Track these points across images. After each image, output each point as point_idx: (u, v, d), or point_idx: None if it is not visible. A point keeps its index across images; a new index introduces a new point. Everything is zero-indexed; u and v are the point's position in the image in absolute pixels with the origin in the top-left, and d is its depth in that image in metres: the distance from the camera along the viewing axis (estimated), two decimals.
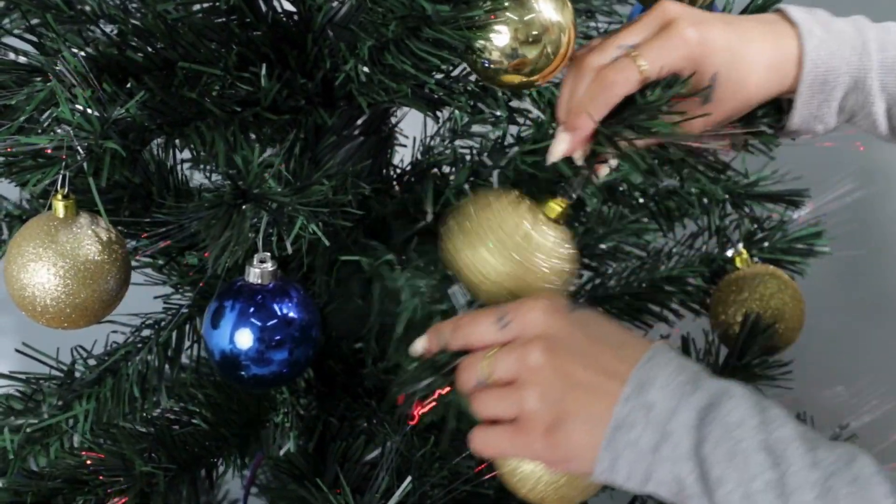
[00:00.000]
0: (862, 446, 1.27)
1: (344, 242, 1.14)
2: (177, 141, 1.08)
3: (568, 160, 1.00)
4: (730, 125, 1.01)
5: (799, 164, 1.31)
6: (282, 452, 1.28)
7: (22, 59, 1.02)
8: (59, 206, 1.01)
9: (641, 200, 1.28)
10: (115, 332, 1.18)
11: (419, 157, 1.29)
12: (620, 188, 1.25)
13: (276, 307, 1.05)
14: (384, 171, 1.22)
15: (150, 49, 1.04)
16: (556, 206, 0.99)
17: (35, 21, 1.13)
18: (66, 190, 1.00)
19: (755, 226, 1.38)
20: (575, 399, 0.89)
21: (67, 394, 1.15)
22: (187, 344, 1.20)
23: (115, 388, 1.16)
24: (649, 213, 1.30)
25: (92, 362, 1.18)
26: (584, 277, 1.36)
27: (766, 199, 1.35)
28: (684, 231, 1.35)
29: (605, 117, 0.97)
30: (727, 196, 1.34)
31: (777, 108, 1.05)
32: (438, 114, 1.22)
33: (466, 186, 1.12)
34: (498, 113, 1.17)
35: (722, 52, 0.97)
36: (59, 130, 0.96)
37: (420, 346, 0.98)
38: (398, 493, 1.16)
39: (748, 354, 1.26)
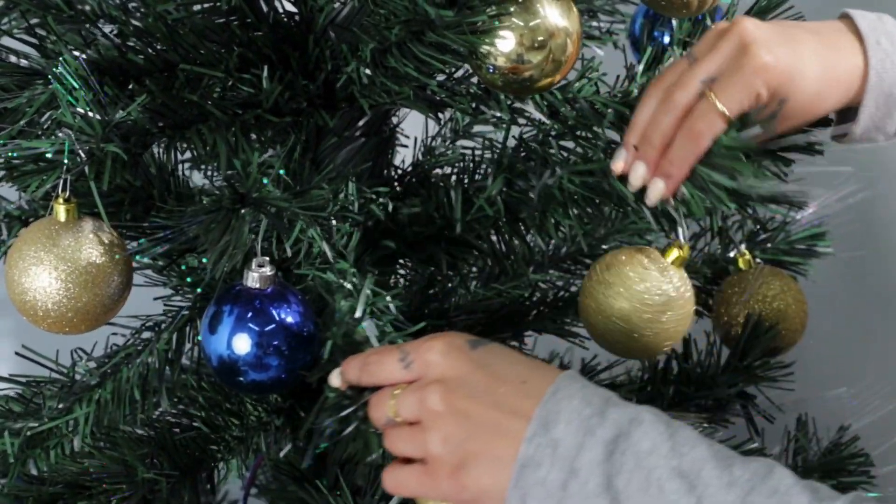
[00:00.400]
0: (864, 448, 1.28)
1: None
2: (178, 144, 1.08)
3: (623, 179, 1.03)
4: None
5: (801, 164, 1.30)
6: (282, 454, 1.28)
7: (23, 62, 1.01)
8: (61, 210, 1.01)
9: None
10: (115, 334, 1.17)
11: (420, 157, 1.29)
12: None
13: (274, 312, 1.05)
14: (385, 172, 1.22)
15: (150, 51, 1.04)
16: (676, 251, 1.06)
17: (35, 21, 1.12)
18: (68, 193, 1.00)
19: (758, 226, 1.38)
20: (478, 440, 0.87)
21: (68, 397, 1.15)
22: (188, 346, 1.20)
23: (115, 391, 1.15)
24: (651, 213, 1.30)
25: (92, 365, 1.17)
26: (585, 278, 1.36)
27: (768, 199, 1.35)
28: (687, 231, 1.34)
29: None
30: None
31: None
32: (440, 115, 1.22)
33: (499, 197, 1.10)
34: (499, 114, 1.16)
35: (804, 74, 0.98)
36: (59, 134, 0.96)
37: (334, 380, 0.96)
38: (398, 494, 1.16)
39: (750, 355, 1.26)
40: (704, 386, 1.25)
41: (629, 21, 1.32)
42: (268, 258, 1.05)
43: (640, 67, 1.18)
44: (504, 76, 0.98)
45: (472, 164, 1.18)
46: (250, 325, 1.04)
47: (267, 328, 1.04)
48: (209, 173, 1.21)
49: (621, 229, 1.36)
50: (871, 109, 1.00)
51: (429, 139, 1.30)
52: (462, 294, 1.32)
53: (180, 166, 1.20)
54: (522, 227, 1.14)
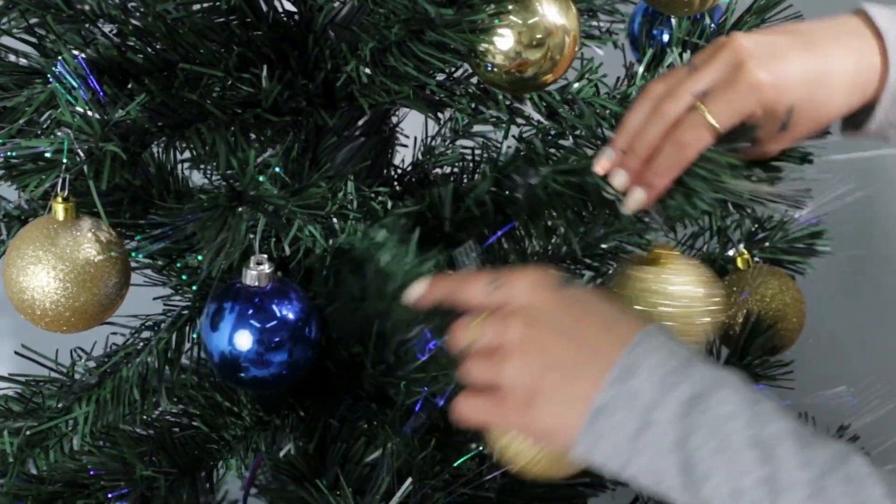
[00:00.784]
0: (863, 447, 1.27)
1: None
2: (177, 143, 1.08)
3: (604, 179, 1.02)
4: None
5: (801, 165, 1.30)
6: (282, 454, 1.28)
7: (22, 62, 1.02)
8: (59, 209, 1.01)
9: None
10: (114, 333, 1.18)
11: (420, 157, 1.29)
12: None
13: (274, 308, 1.05)
14: (385, 171, 1.22)
15: (150, 50, 1.04)
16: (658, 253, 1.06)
17: (34, 20, 1.12)
18: (66, 193, 1.00)
19: (756, 226, 1.38)
20: (554, 376, 0.88)
21: (67, 396, 1.15)
22: (187, 346, 1.20)
23: (114, 390, 1.15)
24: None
25: (91, 364, 1.17)
26: (584, 277, 1.36)
27: (767, 198, 1.35)
28: (685, 231, 1.35)
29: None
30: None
31: None
32: (439, 115, 1.22)
33: (488, 197, 1.10)
34: (498, 114, 1.16)
35: (799, 87, 0.97)
36: (59, 133, 0.96)
37: (416, 291, 0.97)
38: (398, 494, 1.16)
39: (749, 355, 1.26)
40: None
41: (628, 20, 1.32)
42: (266, 255, 1.05)
43: (640, 67, 1.18)
44: (502, 74, 0.98)
45: (471, 164, 1.18)
46: (251, 321, 1.04)
47: (268, 325, 1.04)
48: (208, 173, 1.22)
49: (621, 229, 1.36)
50: (886, 106, 1.00)
51: (428, 139, 1.30)
52: None
53: (179, 166, 1.20)
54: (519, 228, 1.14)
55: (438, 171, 1.26)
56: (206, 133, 1.04)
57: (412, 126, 1.27)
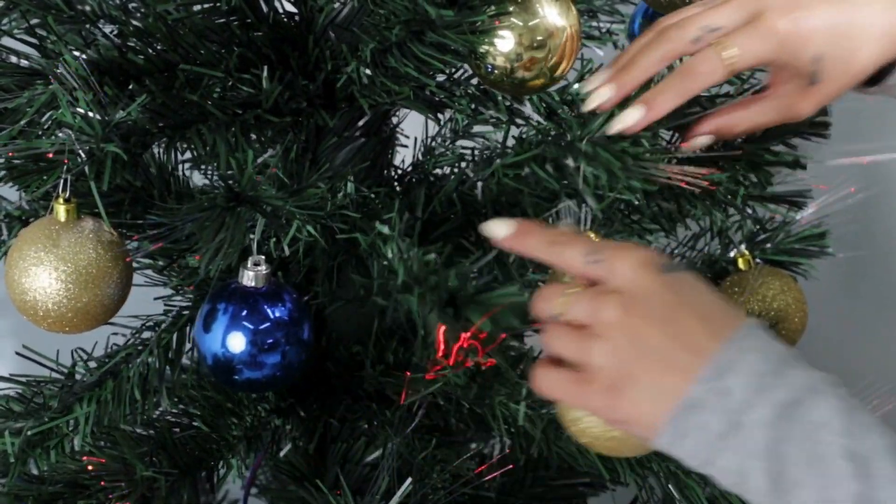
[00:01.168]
0: None
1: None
2: (178, 144, 1.08)
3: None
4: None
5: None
6: (282, 454, 1.28)
7: (23, 63, 1.02)
8: (61, 210, 1.01)
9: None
10: (115, 333, 1.18)
11: (420, 157, 1.29)
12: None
13: (268, 310, 1.05)
14: (385, 171, 1.22)
15: (150, 51, 1.04)
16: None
17: (35, 21, 1.12)
18: (68, 193, 1.00)
19: (757, 227, 1.37)
20: (645, 364, 0.84)
21: (68, 396, 1.15)
22: (188, 346, 1.20)
23: (115, 391, 1.16)
24: (651, 213, 1.30)
25: (92, 364, 1.17)
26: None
27: (768, 199, 1.35)
28: (686, 232, 1.35)
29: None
30: (729, 196, 1.34)
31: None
32: (440, 115, 1.22)
33: (455, 196, 1.10)
34: (497, 115, 1.16)
35: (824, 37, 0.93)
36: (60, 134, 0.96)
37: (499, 231, 0.92)
38: (398, 494, 1.16)
39: None
40: None
41: (628, 21, 1.32)
42: (263, 257, 1.05)
43: None
44: (503, 75, 0.98)
45: (471, 164, 1.18)
46: (245, 323, 1.04)
47: (261, 326, 1.04)
48: (209, 173, 1.22)
49: (621, 229, 1.36)
50: None
51: (428, 139, 1.30)
52: None
53: (180, 166, 1.20)
54: None
55: (438, 171, 1.26)
56: (207, 134, 1.04)
57: (412, 126, 1.27)
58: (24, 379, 1.17)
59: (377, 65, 1.05)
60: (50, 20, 1.06)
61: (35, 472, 1.17)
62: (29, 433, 1.14)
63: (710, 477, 0.83)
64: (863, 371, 1.64)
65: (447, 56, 0.99)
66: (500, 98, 1.15)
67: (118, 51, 1.03)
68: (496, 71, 0.98)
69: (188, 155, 1.14)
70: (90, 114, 0.95)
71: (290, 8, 1.13)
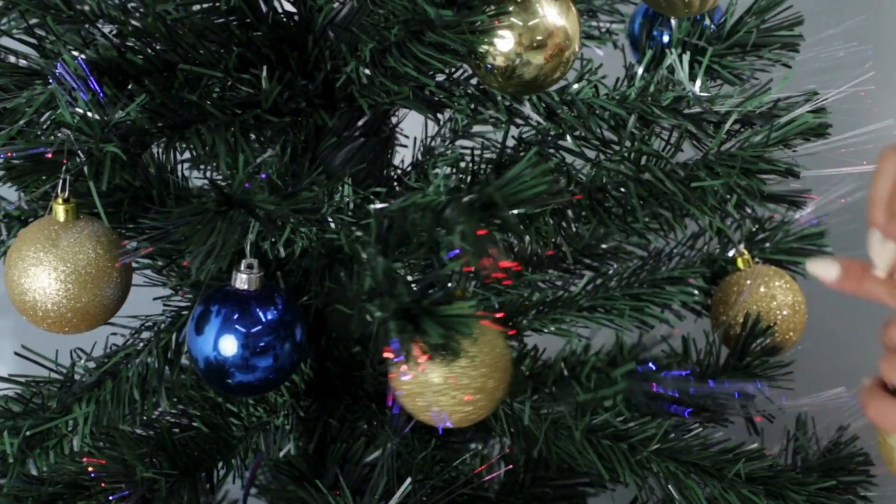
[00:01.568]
0: (863, 447, 1.28)
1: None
2: (177, 144, 1.08)
3: None
4: None
5: (800, 163, 1.30)
6: (282, 454, 1.28)
7: (22, 63, 1.02)
8: (60, 210, 1.01)
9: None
10: (114, 334, 1.18)
11: (420, 157, 1.29)
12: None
13: (260, 313, 1.05)
14: (384, 171, 1.22)
15: (150, 51, 1.04)
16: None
17: (34, 21, 1.12)
18: (67, 194, 1.00)
19: (756, 226, 1.38)
20: None
21: (67, 396, 1.15)
22: (187, 346, 1.20)
23: (114, 391, 1.15)
24: (650, 213, 1.30)
25: (91, 365, 1.17)
26: (585, 278, 1.36)
27: (767, 199, 1.35)
28: (685, 231, 1.35)
29: None
30: (728, 196, 1.34)
31: None
32: (439, 115, 1.22)
33: None
34: (497, 115, 1.16)
35: None
36: (59, 134, 0.96)
37: (833, 271, 0.91)
38: (398, 494, 1.16)
39: (749, 355, 1.26)
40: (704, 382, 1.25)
41: (628, 21, 1.32)
42: (256, 259, 1.05)
43: (640, 68, 1.18)
44: (502, 76, 0.98)
45: (471, 164, 1.18)
46: (237, 326, 1.04)
47: (253, 329, 1.04)
48: (209, 173, 1.22)
49: (622, 228, 1.36)
50: None
51: (428, 139, 1.30)
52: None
53: (179, 166, 1.20)
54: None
55: (438, 171, 1.25)
56: (206, 134, 1.04)
57: (412, 126, 1.27)
58: (23, 379, 1.17)
59: (376, 65, 1.05)
60: (49, 20, 1.06)
61: (34, 472, 1.17)
62: (28, 433, 1.14)
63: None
64: (863, 371, 1.64)
65: (446, 56, 0.99)
66: (499, 98, 1.15)
67: (117, 51, 1.03)
68: (496, 71, 0.98)
69: (187, 155, 1.14)
70: (89, 114, 0.95)
71: (290, 8, 1.13)
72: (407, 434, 1.22)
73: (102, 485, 1.12)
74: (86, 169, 0.95)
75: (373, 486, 1.18)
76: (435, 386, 1.00)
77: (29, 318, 1.02)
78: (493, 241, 0.93)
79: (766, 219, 1.38)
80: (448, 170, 1.10)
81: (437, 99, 1.13)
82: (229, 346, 1.04)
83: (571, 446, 1.20)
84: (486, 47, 0.97)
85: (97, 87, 0.96)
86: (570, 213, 1.12)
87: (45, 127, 0.98)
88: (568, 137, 1.16)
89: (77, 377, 1.17)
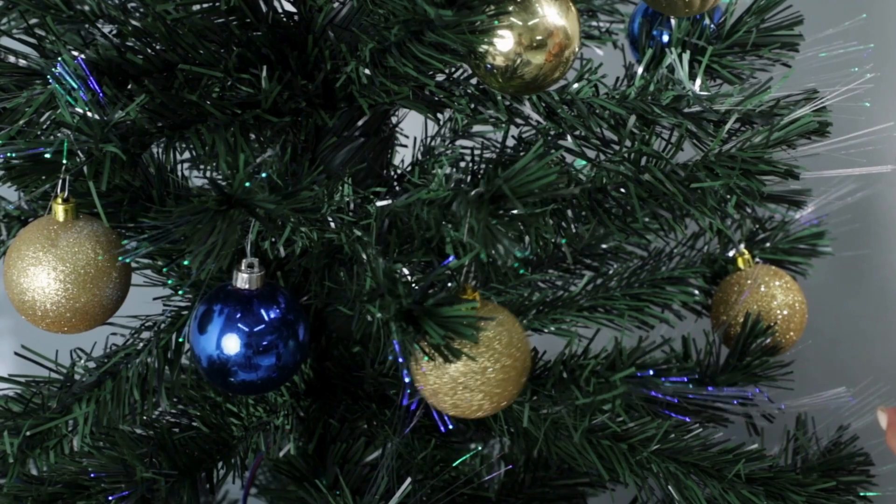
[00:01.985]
0: (864, 447, 1.28)
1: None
2: (177, 144, 1.08)
3: None
4: None
5: (800, 163, 1.30)
6: (282, 454, 1.28)
7: (22, 63, 1.02)
8: (59, 210, 1.01)
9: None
10: (114, 334, 1.18)
11: (420, 157, 1.29)
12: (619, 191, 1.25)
13: (263, 312, 1.05)
14: (384, 171, 1.22)
15: (149, 51, 1.04)
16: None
17: (34, 21, 1.12)
18: (66, 193, 1.00)
19: (757, 226, 1.38)
20: None
21: (67, 397, 1.15)
22: (187, 346, 1.20)
23: (114, 391, 1.15)
24: (650, 213, 1.30)
25: (91, 365, 1.17)
26: (585, 278, 1.36)
27: (767, 199, 1.35)
28: (685, 232, 1.35)
29: None
30: (728, 196, 1.34)
31: None
32: (439, 115, 1.22)
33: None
34: (497, 115, 1.16)
35: None
36: (58, 134, 0.96)
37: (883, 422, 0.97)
38: (398, 494, 1.16)
39: (749, 355, 1.26)
40: (703, 385, 1.25)
41: (628, 20, 1.32)
42: (257, 259, 1.05)
43: (640, 68, 1.18)
44: (502, 76, 0.98)
45: (471, 164, 1.18)
46: (239, 325, 1.04)
47: (256, 328, 1.04)
48: (209, 173, 1.22)
49: (622, 229, 1.36)
50: None
51: (428, 139, 1.30)
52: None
53: (179, 166, 1.20)
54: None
55: (439, 170, 1.26)
56: (206, 134, 1.04)
57: (412, 126, 1.27)
58: (22, 379, 1.17)
59: (376, 64, 1.05)
60: (49, 20, 1.06)
61: (34, 472, 1.17)
62: (28, 433, 1.14)
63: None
64: (863, 371, 1.64)
65: (446, 56, 0.99)
66: (499, 98, 1.15)
67: (117, 51, 1.03)
68: (495, 71, 0.98)
69: (187, 155, 1.14)
70: (89, 114, 0.95)
71: (290, 8, 1.13)
72: (407, 434, 1.22)
73: (102, 485, 1.11)
74: (85, 169, 0.95)
75: (373, 486, 1.18)
76: (461, 378, 1.01)
77: (28, 318, 1.02)
78: (502, 234, 0.94)
79: (766, 219, 1.38)
80: (449, 169, 1.10)
81: (437, 99, 1.13)
82: (232, 344, 1.04)
83: (571, 446, 1.20)
84: (485, 47, 0.97)
85: (97, 87, 0.97)
86: (570, 213, 1.12)
87: (45, 127, 0.98)
88: (568, 137, 1.16)
89: (77, 377, 1.17)
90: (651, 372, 1.16)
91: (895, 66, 1.56)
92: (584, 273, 1.39)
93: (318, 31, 1.11)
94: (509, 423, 1.22)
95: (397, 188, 1.23)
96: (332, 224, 1.08)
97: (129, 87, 1.03)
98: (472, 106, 1.15)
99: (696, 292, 1.36)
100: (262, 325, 1.04)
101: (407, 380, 1.04)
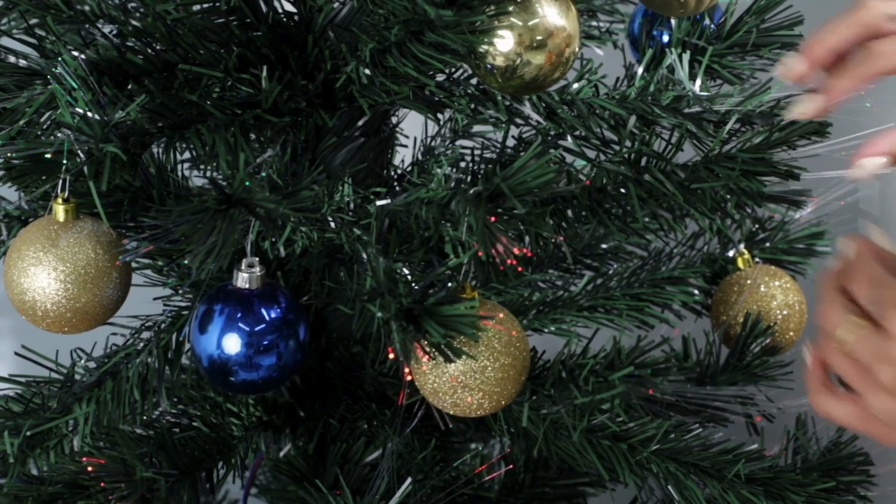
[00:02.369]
0: (863, 447, 1.27)
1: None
2: (177, 144, 1.08)
3: None
4: None
5: (800, 163, 1.30)
6: (282, 454, 1.28)
7: (22, 63, 1.02)
8: (60, 210, 1.01)
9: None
10: (115, 334, 1.18)
11: (420, 157, 1.29)
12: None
13: (263, 311, 1.05)
14: (384, 171, 1.22)
15: (150, 51, 1.04)
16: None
17: (34, 21, 1.12)
18: (67, 193, 1.00)
19: (756, 226, 1.38)
20: None
21: (67, 397, 1.15)
22: (188, 346, 1.20)
23: (115, 391, 1.15)
24: (650, 213, 1.30)
25: (91, 365, 1.17)
26: (585, 278, 1.36)
27: (767, 199, 1.35)
28: (685, 232, 1.35)
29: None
30: (728, 197, 1.34)
31: None
32: (439, 115, 1.22)
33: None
34: (497, 115, 1.17)
35: None
36: (59, 134, 0.96)
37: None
38: (398, 494, 1.16)
39: (749, 355, 1.26)
40: (703, 385, 1.25)
41: (628, 21, 1.32)
42: (257, 258, 1.05)
43: (640, 68, 1.18)
44: (502, 76, 0.98)
45: (471, 164, 1.18)
46: (240, 324, 1.04)
47: (257, 328, 1.04)
48: (209, 173, 1.22)
49: (621, 229, 1.36)
50: None
51: (428, 139, 1.30)
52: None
53: (179, 166, 1.20)
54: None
55: (438, 170, 1.26)
56: (206, 134, 1.04)
57: (412, 126, 1.27)
58: (23, 379, 1.17)
59: (376, 65, 1.05)
60: (49, 20, 1.06)
61: (34, 472, 1.17)
62: (28, 433, 1.14)
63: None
64: None
65: (446, 56, 0.99)
66: (499, 98, 1.15)
67: (117, 51, 1.03)
68: (495, 71, 0.98)
69: (187, 155, 1.14)
70: (89, 114, 0.95)
71: (290, 8, 1.13)
72: (407, 434, 1.22)
73: (102, 484, 1.12)
74: (86, 169, 0.95)
75: (373, 486, 1.18)
76: (460, 377, 1.02)
77: (28, 318, 1.02)
78: (502, 231, 0.94)
79: (766, 219, 1.38)
80: (449, 169, 1.10)
81: (437, 99, 1.13)
82: (233, 344, 1.04)
83: (571, 446, 1.20)
84: (485, 47, 0.97)
85: (97, 88, 0.97)
86: (570, 213, 1.12)
87: (45, 127, 0.98)
88: (568, 137, 1.16)
89: (77, 377, 1.17)
90: (649, 371, 1.16)
91: None
92: (584, 273, 1.39)
93: (318, 31, 1.11)
94: (509, 422, 1.22)
95: (397, 188, 1.23)
96: (332, 224, 1.08)
97: (130, 87, 1.03)
98: (472, 106, 1.15)
99: (696, 292, 1.36)
100: (263, 325, 1.04)
101: (407, 379, 1.04)
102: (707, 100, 1.13)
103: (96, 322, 1.03)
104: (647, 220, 1.27)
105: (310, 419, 1.27)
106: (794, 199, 1.33)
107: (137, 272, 1.17)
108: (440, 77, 1.12)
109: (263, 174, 1.04)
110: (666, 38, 1.25)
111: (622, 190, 1.15)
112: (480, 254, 0.98)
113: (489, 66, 0.98)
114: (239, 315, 1.04)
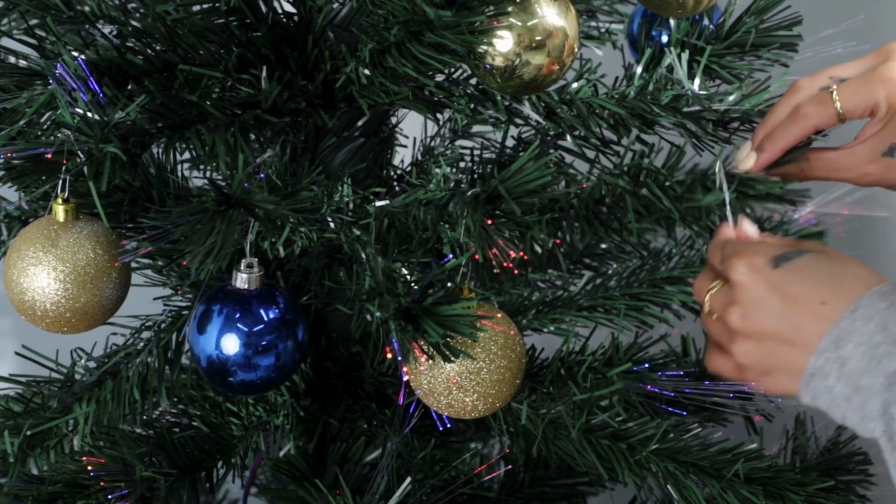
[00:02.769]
0: (862, 446, 1.28)
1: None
2: (177, 144, 1.08)
3: None
4: None
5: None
6: (282, 453, 1.28)
7: (22, 63, 1.02)
8: (59, 210, 1.01)
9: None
10: (114, 333, 1.18)
11: (419, 157, 1.29)
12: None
13: (262, 312, 1.05)
14: (384, 171, 1.22)
15: (150, 51, 1.04)
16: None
17: (34, 22, 1.12)
18: (67, 194, 1.00)
19: (756, 226, 1.37)
20: (774, 357, 0.96)
21: (67, 396, 1.15)
22: (187, 346, 1.20)
23: (115, 391, 1.16)
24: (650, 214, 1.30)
25: (92, 364, 1.18)
26: (584, 278, 1.36)
27: (767, 199, 1.35)
28: (685, 231, 1.35)
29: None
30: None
31: None
32: (439, 115, 1.22)
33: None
34: (496, 115, 1.17)
35: None
36: (59, 134, 0.96)
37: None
38: (398, 494, 1.16)
39: None
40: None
41: (627, 21, 1.32)
42: (256, 259, 1.05)
43: (639, 68, 1.18)
44: (501, 76, 0.98)
45: (471, 164, 1.18)
46: (239, 325, 1.04)
47: (255, 328, 1.04)
48: (209, 173, 1.22)
49: (618, 244, 1.37)
50: None
51: (428, 139, 1.30)
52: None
53: (179, 166, 1.20)
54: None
55: (438, 170, 1.26)
56: (206, 134, 1.04)
57: (411, 126, 1.27)
58: (23, 379, 1.18)
59: (376, 65, 1.05)
60: (49, 21, 1.06)
61: (35, 472, 1.17)
62: (28, 433, 1.14)
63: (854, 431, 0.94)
64: None
65: (446, 56, 0.99)
66: (498, 98, 1.15)
67: (117, 51, 1.03)
68: (495, 71, 0.98)
69: (187, 155, 1.14)
70: (89, 114, 0.95)
71: (289, 8, 1.13)
72: (406, 434, 1.22)
73: (102, 484, 1.12)
74: (86, 169, 0.96)
75: (373, 486, 1.18)
76: (456, 378, 1.02)
77: (28, 318, 1.02)
78: (499, 234, 0.94)
79: (765, 219, 1.38)
80: (448, 169, 1.10)
81: (436, 99, 1.13)
82: (231, 344, 1.04)
83: (570, 446, 1.20)
84: (485, 47, 0.97)
85: (97, 88, 0.97)
86: (564, 224, 1.12)
87: (45, 127, 0.98)
88: (568, 137, 1.16)
89: (77, 377, 1.17)
90: (647, 367, 1.16)
91: None
92: (584, 273, 1.39)
93: (318, 32, 1.11)
94: (508, 422, 1.22)
95: (397, 188, 1.23)
96: (332, 224, 1.08)
97: (130, 87, 1.03)
98: (472, 106, 1.15)
99: None
100: (262, 325, 1.04)
101: (405, 379, 1.04)
102: (706, 99, 1.14)
103: (96, 322, 1.03)
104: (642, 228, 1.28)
105: (310, 419, 1.28)
106: (794, 199, 1.33)
107: (137, 272, 1.17)
108: (439, 77, 1.13)
109: (263, 175, 1.04)
110: (665, 39, 1.25)
111: (620, 204, 1.17)
112: (477, 256, 0.99)
113: (488, 66, 0.98)
114: (237, 315, 1.04)
